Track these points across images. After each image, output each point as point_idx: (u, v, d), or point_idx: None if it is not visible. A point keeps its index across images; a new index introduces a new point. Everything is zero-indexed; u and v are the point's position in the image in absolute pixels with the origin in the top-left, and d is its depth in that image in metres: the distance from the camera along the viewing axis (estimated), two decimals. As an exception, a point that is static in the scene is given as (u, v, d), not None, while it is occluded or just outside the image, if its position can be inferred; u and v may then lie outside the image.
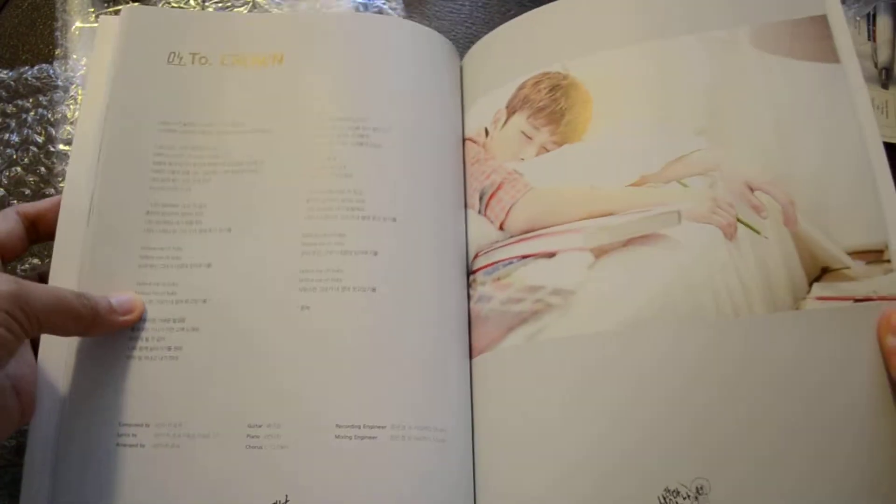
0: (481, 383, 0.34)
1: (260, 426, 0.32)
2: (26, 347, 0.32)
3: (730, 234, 0.31)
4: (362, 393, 0.32)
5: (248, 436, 0.32)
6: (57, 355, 0.33)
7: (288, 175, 0.36)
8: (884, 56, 0.52)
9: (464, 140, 0.40)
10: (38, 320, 0.28)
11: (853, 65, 0.33)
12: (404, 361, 0.33)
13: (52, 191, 0.46)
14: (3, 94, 0.49)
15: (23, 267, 0.43)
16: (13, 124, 0.48)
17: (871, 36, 0.53)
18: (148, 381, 0.32)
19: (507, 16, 0.52)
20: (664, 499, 0.29)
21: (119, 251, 0.34)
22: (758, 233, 0.31)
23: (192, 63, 0.38)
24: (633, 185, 0.33)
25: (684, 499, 0.28)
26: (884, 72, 0.51)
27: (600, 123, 0.35)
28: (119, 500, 0.31)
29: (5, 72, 0.49)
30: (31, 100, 0.49)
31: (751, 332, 0.30)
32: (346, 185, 0.36)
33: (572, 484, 0.30)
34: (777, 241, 0.31)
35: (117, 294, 0.33)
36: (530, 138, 0.36)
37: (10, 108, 0.49)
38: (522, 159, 0.36)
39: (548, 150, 0.36)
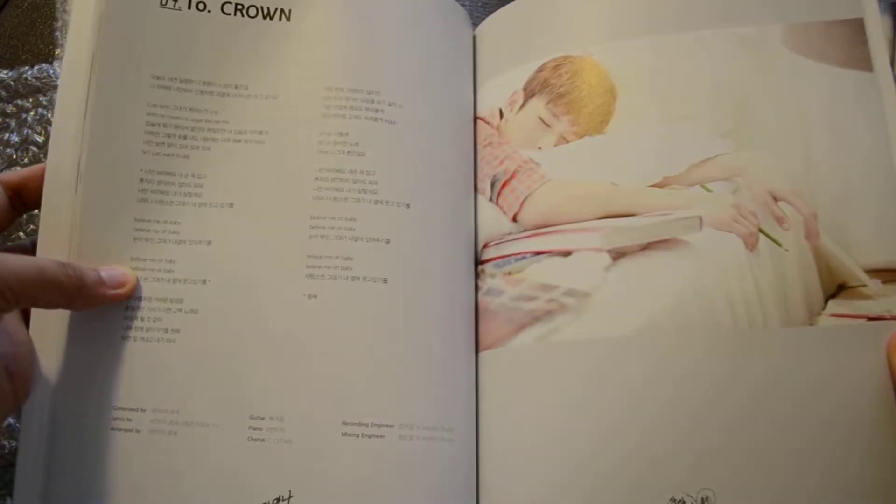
0: (488, 380, 0.34)
1: (263, 418, 0.32)
2: (18, 324, 0.32)
3: (751, 245, 0.32)
4: (371, 391, 0.32)
5: (250, 427, 0.32)
6: (49, 333, 0.32)
7: (295, 149, 0.35)
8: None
9: (474, 119, 0.39)
10: (13, 293, 0.28)
11: (886, 75, 0.32)
12: (415, 359, 0.33)
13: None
14: (3, 94, 0.50)
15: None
16: (13, 124, 0.49)
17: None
18: (144, 363, 0.32)
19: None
20: None
21: (111, 222, 0.33)
22: (779, 245, 0.32)
23: (189, 7, 0.36)
24: (654, 185, 0.33)
25: None
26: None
27: (624, 117, 0.35)
28: (114, 486, 0.31)
29: (5, 72, 0.50)
30: (31, 100, 0.50)
31: (765, 346, 0.31)
32: (359, 164, 0.35)
33: (577, 489, 0.31)
34: (797, 255, 0.32)
35: (109, 267, 0.32)
36: (549, 126, 0.36)
37: (10, 108, 0.50)
38: (540, 148, 0.36)
39: (567, 141, 0.35)
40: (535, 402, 0.32)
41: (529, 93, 0.37)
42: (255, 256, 0.33)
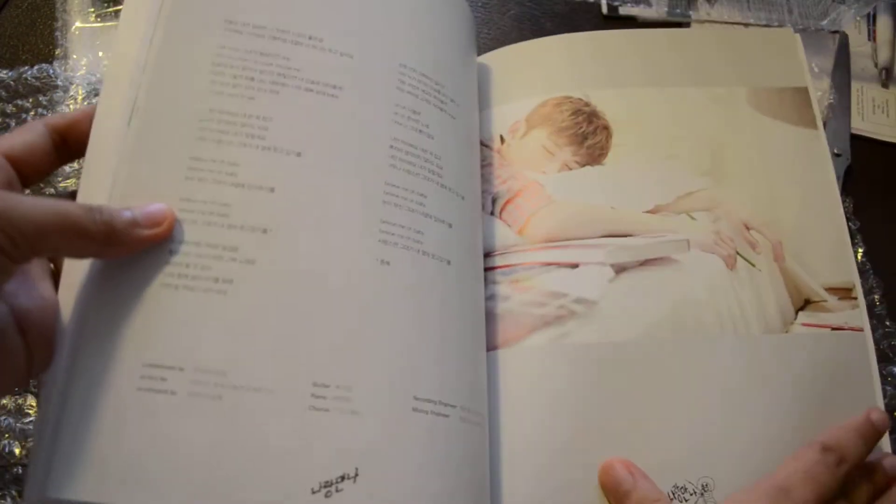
0: (502, 376, 0.37)
1: (328, 386, 0.29)
2: (41, 279, 0.30)
3: (730, 264, 0.39)
4: (439, 367, 0.32)
5: (312, 395, 0.29)
6: (76, 280, 0.29)
7: (371, 112, 0.35)
8: (884, 56, 0.57)
9: None
10: (28, 241, 0.25)
11: (822, 133, 0.44)
12: (471, 344, 0.35)
13: (52, 190, 0.50)
14: (3, 94, 0.52)
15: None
16: (13, 124, 0.51)
17: (871, 36, 0.58)
18: (186, 315, 0.29)
19: (507, 15, 0.57)
20: (673, 494, 0.34)
21: (163, 158, 0.31)
22: (753, 265, 0.39)
23: None
24: (648, 211, 0.41)
25: (691, 494, 0.34)
26: (884, 72, 0.56)
27: (619, 153, 0.43)
28: (135, 456, 0.27)
29: (5, 72, 0.53)
30: (31, 100, 0.53)
31: (749, 349, 0.37)
32: (429, 145, 0.36)
33: (588, 477, 0.35)
34: (768, 274, 0.40)
35: (143, 204, 0.29)
36: (552, 154, 0.43)
37: (10, 108, 0.52)
38: (544, 172, 0.42)
39: (570, 168, 0.42)
40: (550, 398, 0.36)
41: (532, 124, 0.44)
42: (325, 211, 0.32)
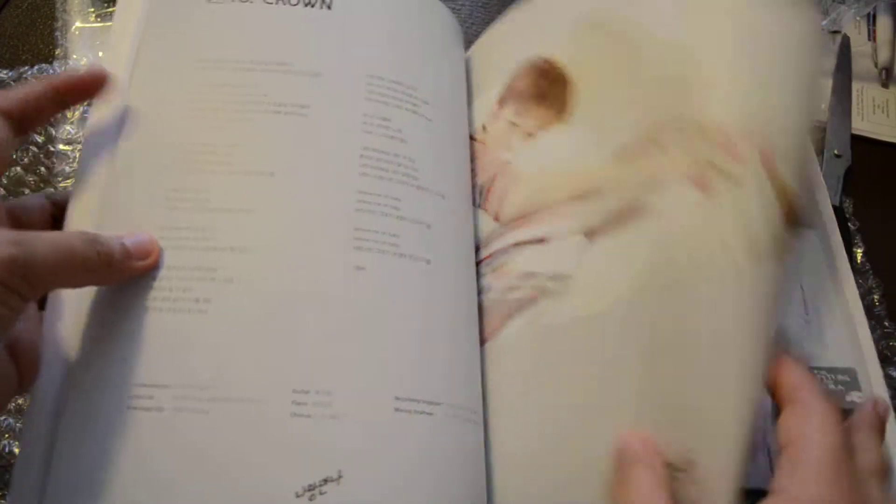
0: (486, 371, 0.37)
1: (307, 392, 0.31)
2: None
3: (703, 186, 0.33)
4: (421, 366, 0.33)
5: (293, 402, 0.30)
6: (66, 307, 0.32)
7: (340, 125, 0.37)
8: (884, 56, 0.57)
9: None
10: (43, 283, 0.27)
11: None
12: (456, 341, 0.35)
13: (52, 190, 0.50)
14: (3, 93, 0.53)
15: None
16: (12, 123, 0.52)
17: (871, 36, 0.58)
18: (169, 336, 0.31)
19: (507, 16, 0.57)
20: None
21: (144, 194, 0.34)
22: (734, 179, 0.33)
23: (233, 0, 0.39)
24: (615, 157, 0.37)
25: (677, 471, 0.32)
26: (884, 72, 0.56)
27: (582, 102, 0.39)
28: (126, 472, 0.29)
29: (5, 72, 0.55)
30: (30, 99, 0.53)
31: (733, 287, 0.31)
32: (402, 149, 0.37)
33: (574, 469, 0.33)
34: (756, 187, 0.32)
35: (132, 234, 0.32)
36: (517, 126, 0.42)
37: (9, 108, 0.53)
38: (512, 149, 0.41)
39: (533, 135, 0.41)
40: (529, 385, 0.35)
41: (502, 103, 0.43)
42: (299, 225, 0.34)
